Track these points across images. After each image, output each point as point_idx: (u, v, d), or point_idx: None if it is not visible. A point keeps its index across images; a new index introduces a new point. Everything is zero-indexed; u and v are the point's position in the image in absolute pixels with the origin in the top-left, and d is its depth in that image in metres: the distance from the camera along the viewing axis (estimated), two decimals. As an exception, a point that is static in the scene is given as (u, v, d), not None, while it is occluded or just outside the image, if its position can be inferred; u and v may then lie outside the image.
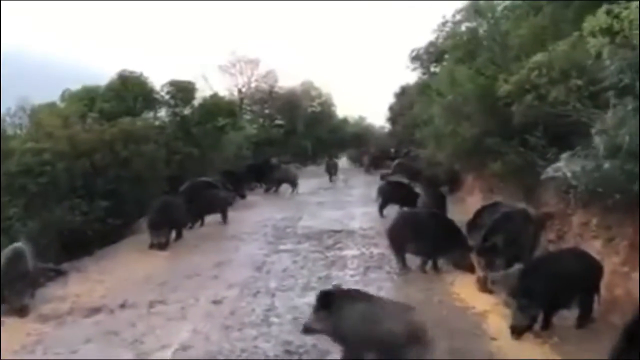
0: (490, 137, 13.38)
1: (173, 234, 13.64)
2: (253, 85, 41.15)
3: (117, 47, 49.81)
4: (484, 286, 9.04)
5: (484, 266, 9.45)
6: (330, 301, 6.17)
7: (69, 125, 15.65)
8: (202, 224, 15.78)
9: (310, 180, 27.53)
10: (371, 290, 8.05)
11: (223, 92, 39.27)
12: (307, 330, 6.39)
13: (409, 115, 31.14)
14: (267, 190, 22.79)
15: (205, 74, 37.45)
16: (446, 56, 23.01)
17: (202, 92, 21.89)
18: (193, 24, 58.50)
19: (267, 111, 43.03)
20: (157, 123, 19.82)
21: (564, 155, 8.47)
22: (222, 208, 16.25)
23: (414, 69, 33.90)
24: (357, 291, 6.84)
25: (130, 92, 19.22)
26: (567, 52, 9.33)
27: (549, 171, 8.94)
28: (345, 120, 59.21)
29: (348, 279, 10.06)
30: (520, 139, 12.34)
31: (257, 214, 17.48)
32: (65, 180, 14.09)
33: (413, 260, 10.42)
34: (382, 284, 9.61)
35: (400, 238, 10.52)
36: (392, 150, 41.05)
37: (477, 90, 13.36)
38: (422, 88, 22.86)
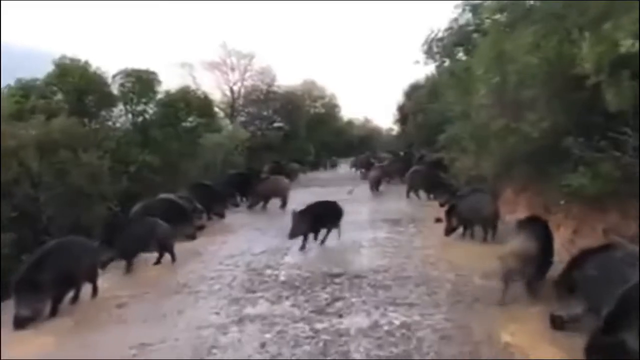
0: (565, 136, 8.75)
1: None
2: (248, 83, 36.50)
3: (98, 42, 45.21)
4: None
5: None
6: None
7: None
8: (128, 269, 10.42)
9: (308, 191, 22.79)
10: None
11: (214, 91, 35.12)
12: None
13: (421, 114, 26.56)
14: (250, 207, 17.89)
15: (193, 71, 33.27)
16: (475, 35, 18.35)
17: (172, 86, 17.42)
18: (181, 14, 53.72)
19: (264, 112, 38.35)
20: (109, 124, 15.14)
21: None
22: (161, 243, 10.92)
23: (427, 63, 29.68)
24: None
25: (71, 84, 14.59)
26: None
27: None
28: (350, 123, 54.65)
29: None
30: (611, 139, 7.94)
31: (230, 244, 12.73)
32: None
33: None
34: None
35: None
36: (401, 153, 36.33)
37: (543, 65, 8.69)
38: (441, 79, 18.20)
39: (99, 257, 9.33)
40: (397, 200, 18.68)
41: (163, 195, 13.77)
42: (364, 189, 22.60)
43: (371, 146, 46.38)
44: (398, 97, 38.91)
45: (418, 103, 26.46)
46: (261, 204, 17.74)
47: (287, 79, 38.38)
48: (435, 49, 31.75)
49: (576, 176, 8.26)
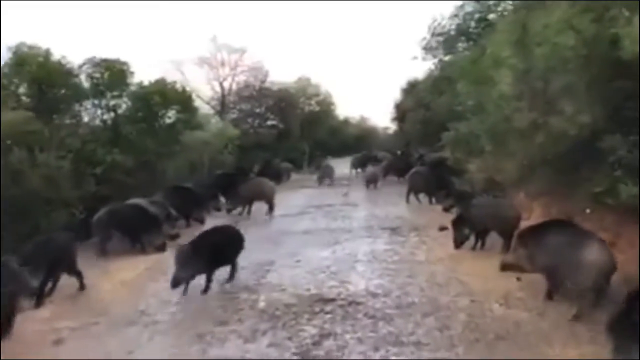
0: (603, 133, 7.11)
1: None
2: (240, 79, 34.71)
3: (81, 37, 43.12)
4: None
5: None
6: None
7: None
8: (38, 303, 7.93)
9: (300, 193, 21.10)
10: None
11: (204, 88, 33.29)
12: None
13: (422, 111, 24.83)
14: (229, 211, 15.80)
15: (182, 66, 31.47)
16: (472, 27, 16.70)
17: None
18: (173, 10, 51.60)
19: (257, 110, 36.58)
20: (70, 121, 13.36)
21: None
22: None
23: (425, 59, 28.14)
24: None
25: (29, 74, 12.81)
26: None
27: None
28: (346, 121, 52.87)
29: None
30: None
31: None
32: None
33: None
34: None
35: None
36: (399, 152, 34.72)
37: (579, 47, 7.03)
38: (447, 71, 16.52)
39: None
40: (396, 204, 16.98)
41: (132, 201, 12.06)
42: (361, 190, 20.93)
43: (367, 145, 44.74)
44: (395, 95, 37.20)
45: (418, 99, 24.78)
46: (246, 208, 15.91)
47: (282, 76, 36.66)
48: (434, 44, 30.14)
49: (611, 180, 6.63)
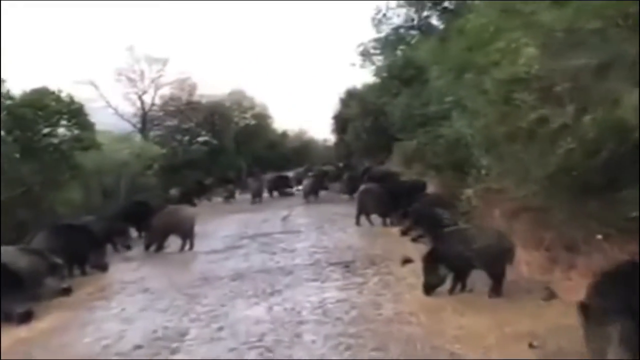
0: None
1: None
2: (164, 92, 31.21)
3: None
4: None
5: None
6: None
7: None
8: None
9: (234, 219, 18.02)
10: None
11: (122, 104, 29.49)
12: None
13: (370, 119, 22.28)
14: (146, 248, 12.63)
15: (95, 79, 27.69)
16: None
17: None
18: (85, 16, 46.89)
19: (186, 126, 33.19)
20: None
21: None
22: None
23: (363, 66, 26.25)
24: None
25: None
26: None
27: None
28: (284, 135, 50.10)
29: None
30: None
31: (90, 328, 7.65)
32: None
33: None
34: None
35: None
36: (340, 165, 32.32)
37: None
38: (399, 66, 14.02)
39: None
40: (345, 228, 14.29)
41: (-7, 250, 8.66)
42: (304, 212, 18.13)
43: (308, 158, 42.19)
44: (334, 105, 34.81)
45: (363, 107, 22.27)
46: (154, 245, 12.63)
47: (213, 88, 33.56)
48: (371, 51, 28.09)
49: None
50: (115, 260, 11.91)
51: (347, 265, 10.06)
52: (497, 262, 7.47)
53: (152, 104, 29.66)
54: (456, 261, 7.70)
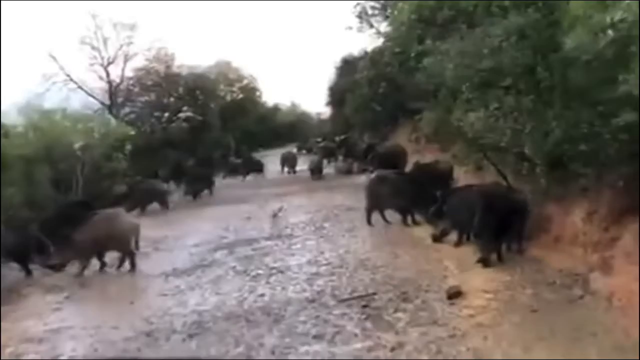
0: None
1: None
2: (138, 64, 27.09)
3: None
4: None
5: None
6: None
7: None
8: None
9: (212, 214, 14.36)
10: None
11: (89, 77, 25.46)
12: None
13: (385, 84, 18.15)
14: (57, 269, 8.57)
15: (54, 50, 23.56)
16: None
17: None
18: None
19: (165, 100, 29.17)
20: None
21: None
22: None
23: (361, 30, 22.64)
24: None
25: None
26: None
27: None
28: (276, 108, 46.16)
29: None
30: None
31: None
32: None
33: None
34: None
35: None
36: (338, 139, 28.51)
37: None
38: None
39: None
40: (354, 229, 10.68)
41: None
42: (298, 203, 14.50)
43: (302, 133, 38.53)
44: (328, 75, 30.91)
45: (377, 69, 18.14)
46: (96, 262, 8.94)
47: (195, 59, 29.53)
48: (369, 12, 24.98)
49: None
50: (32, 291, 8.28)
51: (365, 305, 6.45)
52: None
53: (123, 77, 25.52)
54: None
